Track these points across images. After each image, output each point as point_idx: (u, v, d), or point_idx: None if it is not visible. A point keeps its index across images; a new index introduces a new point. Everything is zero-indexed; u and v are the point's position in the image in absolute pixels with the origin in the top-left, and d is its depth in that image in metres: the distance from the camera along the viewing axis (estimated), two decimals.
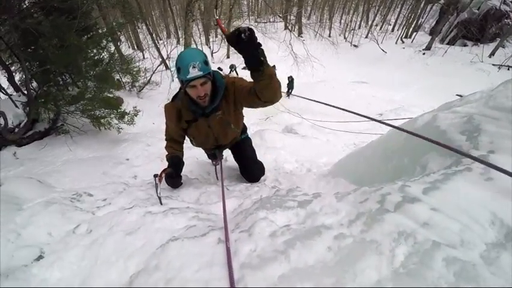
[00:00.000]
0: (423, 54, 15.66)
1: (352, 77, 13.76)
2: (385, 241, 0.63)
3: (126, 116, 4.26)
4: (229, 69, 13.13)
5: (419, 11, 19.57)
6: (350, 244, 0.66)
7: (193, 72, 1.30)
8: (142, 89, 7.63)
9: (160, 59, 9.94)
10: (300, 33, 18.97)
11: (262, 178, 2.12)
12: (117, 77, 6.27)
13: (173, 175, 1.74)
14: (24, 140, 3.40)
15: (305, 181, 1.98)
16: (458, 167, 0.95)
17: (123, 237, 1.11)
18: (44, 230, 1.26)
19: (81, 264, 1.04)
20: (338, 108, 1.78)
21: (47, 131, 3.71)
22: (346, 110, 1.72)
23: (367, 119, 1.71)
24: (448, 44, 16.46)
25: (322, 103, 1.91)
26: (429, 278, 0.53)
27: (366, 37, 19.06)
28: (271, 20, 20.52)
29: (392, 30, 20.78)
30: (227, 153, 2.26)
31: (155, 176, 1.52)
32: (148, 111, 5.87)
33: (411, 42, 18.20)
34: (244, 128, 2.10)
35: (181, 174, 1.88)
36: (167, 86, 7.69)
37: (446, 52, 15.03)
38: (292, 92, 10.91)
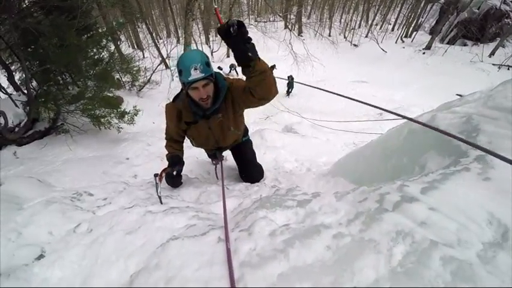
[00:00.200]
0: (423, 53, 15.65)
1: (352, 76, 13.75)
2: (383, 240, 0.64)
3: (126, 116, 4.26)
4: (229, 69, 13.12)
5: (419, 10, 19.53)
6: (349, 243, 0.66)
7: (195, 74, 1.29)
8: (142, 88, 7.63)
9: (160, 58, 9.93)
10: (300, 32, 18.94)
11: None
12: (117, 76, 6.26)
13: (173, 174, 1.74)
14: (25, 140, 3.41)
15: (305, 180, 1.98)
16: (456, 167, 0.96)
17: (123, 237, 1.11)
18: (45, 229, 1.26)
19: (82, 263, 1.05)
20: (342, 96, 1.75)
21: (47, 131, 3.71)
22: (350, 98, 1.71)
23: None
24: (448, 43, 16.44)
25: (327, 91, 1.89)
26: (426, 277, 0.54)
27: (366, 36, 19.03)
28: (271, 19, 20.50)
29: (392, 29, 20.74)
30: (227, 153, 2.27)
31: (155, 175, 1.53)
32: (148, 111, 5.86)
33: (411, 41, 18.18)
34: (246, 131, 2.09)
35: (181, 173, 1.89)
36: (167, 85, 7.68)
37: (446, 52, 15.01)
38: (292, 92, 10.91)
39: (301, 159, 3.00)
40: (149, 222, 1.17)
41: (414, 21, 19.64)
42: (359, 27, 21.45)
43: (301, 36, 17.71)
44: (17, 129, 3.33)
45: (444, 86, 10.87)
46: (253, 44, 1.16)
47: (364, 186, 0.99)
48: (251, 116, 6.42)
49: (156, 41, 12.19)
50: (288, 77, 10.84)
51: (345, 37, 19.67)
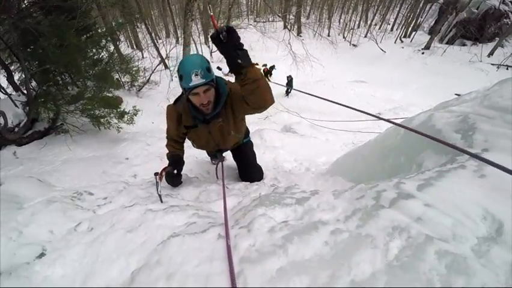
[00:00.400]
0: (422, 53, 15.70)
1: (351, 76, 13.79)
2: (380, 235, 0.65)
3: (126, 116, 4.27)
4: (228, 68, 13.09)
5: (418, 10, 19.60)
6: (346, 239, 0.68)
7: (196, 80, 1.28)
8: (141, 89, 7.63)
9: (159, 59, 9.94)
10: (299, 32, 18.98)
11: None
12: (116, 76, 6.26)
13: (173, 174, 1.75)
14: (24, 140, 3.41)
15: (304, 179, 2.00)
16: (452, 164, 0.97)
17: (124, 235, 1.12)
18: (46, 228, 1.27)
19: (83, 262, 1.06)
20: (337, 103, 1.79)
21: (46, 131, 3.72)
22: (344, 106, 1.74)
23: (366, 118, 1.73)
24: (446, 43, 16.49)
25: (322, 98, 1.92)
26: (421, 270, 0.55)
27: (365, 36, 19.08)
28: (270, 19, 20.53)
29: (391, 29, 20.80)
30: (226, 153, 2.28)
31: (155, 174, 1.54)
32: (148, 111, 5.87)
33: (410, 41, 18.23)
34: (247, 132, 2.08)
35: (181, 173, 1.90)
36: (167, 85, 7.69)
37: (445, 51, 15.07)
38: (291, 92, 10.92)
39: (300, 159, 3.01)
40: (150, 220, 1.18)
41: (413, 21, 19.70)
42: (358, 27, 21.50)
43: (301, 36, 17.74)
44: (16, 129, 3.34)
45: (443, 86, 10.91)
46: (245, 50, 1.13)
47: (361, 184, 1.01)
48: (250, 116, 6.42)
49: (155, 41, 12.20)
50: (287, 77, 10.88)
51: (344, 37, 19.72)
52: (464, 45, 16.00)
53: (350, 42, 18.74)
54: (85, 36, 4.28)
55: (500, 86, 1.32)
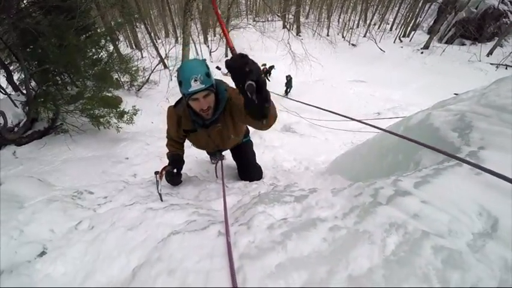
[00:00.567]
0: (422, 53, 15.73)
1: (350, 75, 13.81)
2: (377, 232, 0.66)
3: (125, 115, 4.28)
4: (226, 69, 13.10)
5: (417, 10, 19.62)
6: (344, 235, 0.69)
7: (195, 86, 1.27)
8: (140, 88, 7.63)
9: (159, 58, 9.94)
10: (298, 32, 18.98)
11: None
12: (116, 76, 6.27)
13: (173, 173, 1.76)
14: (24, 139, 3.42)
15: (303, 178, 2.01)
16: (449, 162, 0.98)
17: (125, 233, 1.13)
18: (46, 227, 1.28)
19: (84, 259, 1.07)
20: (329, 111, 1.81)
21: (46, 130, 3.72)
22: (336, 113, 1.75)
23: (366, 118, 1.74)
24: (446, 43, 16.52)
25: (315, 106, 1.95)
26: (417, 264, 0.56)
27: (365, 36, 19.10)
28: (269, 19, 20.53)
29: (390, 29, 20.83)
30: (226, 152, 2.29)
31: (156, 173, 1.55)
32: (147, 110, 5.88)
33: (410, 41, 18.25)
34: (247, 132, 2.08)
35: (181, 172, 1.91)
36: (166, 85, 7.69)
37: (444, 51, 15.10)
38: (291, 91, 10.92)
39: (299, 158, 3.03)
40: (150, 219, 1.19)
41: (413, 21, 19.72)
42: (357, 26, 21.51)
43: (300, 36, 17.75)
44: (16, 129, 3.34)
45: (443, 85, 10.93)
46: (272, 103, 0.96)
47: (360, 182, 1.02)
48: None
49: (155, 40, 12.20)
50: (286, 76, 10.88)
51: (343, 37, 19.73)
52: (463, 44, 16.03)
53: (349, 42, 18.76)
54: (84, 36, 4.28)
55: (497, 85, 1.33)
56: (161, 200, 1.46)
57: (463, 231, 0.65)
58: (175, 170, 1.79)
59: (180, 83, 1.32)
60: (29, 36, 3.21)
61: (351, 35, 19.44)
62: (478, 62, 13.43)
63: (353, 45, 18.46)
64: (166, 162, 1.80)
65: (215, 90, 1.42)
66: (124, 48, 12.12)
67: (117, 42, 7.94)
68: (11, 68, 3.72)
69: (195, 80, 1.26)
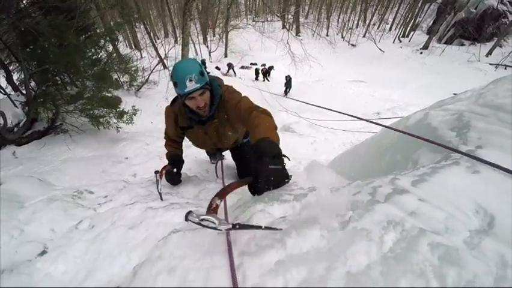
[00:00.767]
0: (421, 53, 15.78)
1: (350, 76, 13.85)
2: (375, 229, 0.67)
3: (125, 115, 4.29)
4: (226, 68, 13.14)
5: (417, 10, 19.68)
6: (342, 232, 0.70)
7: (190, 86, 1.28)
8: (140, 88, 7.64)
9: (158, 58, 9.95)
10: (297, 32, 19.02)
11: None
12: (115, 76, 6.28)
13: (173, 172, 1.77)
14: (24, 140, 3.42)
15: (302, 177, 2.01)
16: (447, 161, 0.99)
17: (125, 232, 1.14)
18: (47, 227, 1.29)
19: (85, 258, 1.08)
20: (331, 110, 1.82)
21: (46, 130, 3.73)
22: (339, 112, 1.76)
23: (365, 118, 1.75)
24: (445, 43, 16.59)
25: (316, 106, 1.96)
26: (414, 260, 0.57)
27: (364, 36, 19.16)
28: (269, 19, 20.56)
29: (390, 29, 20.89)
30: (225, 152, 2.30)
31: (156, 172, 1.56)
32: (146, 110, 5.89)
33: (409, 41, 18.32)
34: (247, 132, 2.05)
35: (181, 171, 1.91)
36: (165, 85, 7.70)
37: (443, 51, 15.16)
38: (290, 92, 10.93)
39: (299, 158, 3.04)
40: (150, 218, 1.20)
41: (412, 21, 19.79)
42: (357, 27, 21.58)
43: (299, 36, 17.78)
44: (16, 129, 3.35)
45: (442, 85, 10.97)
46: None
47: (358, 181, 1.03)
48: None
49: (154, 41, 12.20)
50: (286, 76, 10.91)
51: (342, 37, 19.79)
52: (462, 45, 16.08)
53: (349, 42, 18.82)
54: (83, 36, 4.29)
55: (495, 85, 1.35)
56: (162, 199, 1.47)
57: (460, 229, 0.66)
58: (174, 170, 1.80)
59: (175, 84, 1.33)
60: (28, 36, 3.22)
61: (350, 35, 19.50)
62: (477, 62, 13.49)
63: (353, 45, 18.51)
64: (165, 161, 1.81)
65: (210, 88, 1.43)
66: (124, 49, 12.13)
67: (116, 43, 7.95)
68: (11, 68, 3.72)
69: (190, 80, 1.27)
